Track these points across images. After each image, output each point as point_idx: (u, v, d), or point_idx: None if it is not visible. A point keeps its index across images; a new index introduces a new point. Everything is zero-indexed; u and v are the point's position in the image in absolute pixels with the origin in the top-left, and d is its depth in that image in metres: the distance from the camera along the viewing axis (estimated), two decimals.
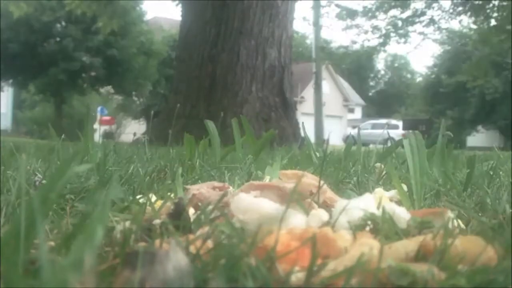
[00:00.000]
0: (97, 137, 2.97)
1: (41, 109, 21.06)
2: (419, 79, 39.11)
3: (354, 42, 18.21)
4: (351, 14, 17.11)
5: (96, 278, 0.37)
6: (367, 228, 0.61)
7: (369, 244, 0.50)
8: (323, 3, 16.32)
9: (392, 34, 16.97)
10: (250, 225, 0.58)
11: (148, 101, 21.39)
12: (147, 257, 0.42)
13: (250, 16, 5.79)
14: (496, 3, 13.82)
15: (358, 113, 33.77)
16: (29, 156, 1.56)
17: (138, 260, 0.42)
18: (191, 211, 0.73)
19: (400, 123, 19.48)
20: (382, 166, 1.38)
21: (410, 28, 16.91)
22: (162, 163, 1.48)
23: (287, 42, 6.06)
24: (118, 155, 1.67)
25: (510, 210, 0.80)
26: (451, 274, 0.46)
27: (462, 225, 0.72)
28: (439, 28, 17.74)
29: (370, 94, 41.86)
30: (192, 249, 0.52)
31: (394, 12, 16.72)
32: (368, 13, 16.86)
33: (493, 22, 14.16)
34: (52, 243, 0.57)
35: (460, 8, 15.27)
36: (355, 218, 0.62)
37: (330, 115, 25.12)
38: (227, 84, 5.71)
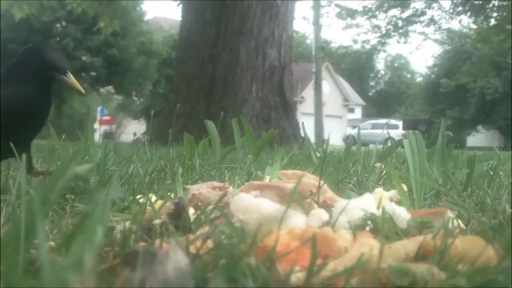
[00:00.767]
0: (97, 137, 2.97)
1: None
2: (419, 79, 39.11)
3: (355, 42, 18.22)
4: (351, 13, 17.11)
5: (96, 278, 0.37)
6: (367, 228, 0.61)
7: (369, 244, 0.50)
8: (323, 3, 16.32)
9: (393, 34, 16.97)
10: (250, 225, 0.58)
11: (148, 101, 21.37)
12: (147, 257, 0.42)
13: (250, 16, 5.79)
14: (496, 3, 13.82)
15: (358, 113, 33.75)
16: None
17: (138, 260, 0.42)
18: (191, 211, 0.73)
19: (400, 123, 19.48)
20: (382, 166, 1.38)
21: (410, 28, 16.91)
22: (162, 163, 1.48)
23: (287, 42, 6.06)
24: (118, 155, 1.67)
25: (510, 210, 0.80)
26: (451, 274, 0.46)
27: (462, 225, 0.72)
28: (439, 28, 17.75)
29: (370, 94, 41.84)
30: (192, 249, 0.52)
31: (394, 12, 16.74)
32: (368, 13, 16.87)
33: (493, 22, 14.16)
34: (52, 243, 0.57)
35: (460, 8, 15.27)
36: (355, 218, 0.62)
37: (330, 115, 25.10)
38: (227, 84, 5.71)
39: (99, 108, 16.73)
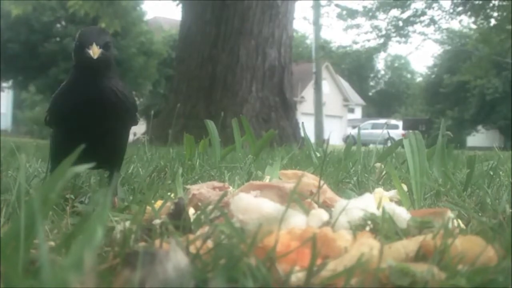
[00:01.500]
0: None
1: (41, 109, 21.04)
2: (419, 79, 39.10)
3: (355, 42, 18.20)
4: (351, 14, 17.11)
5: (96, 278, 0.37)
6: (367, 228, 0.61)
7: (369, 244, 0.50)
8: (323, 3, 16.32)
9: (393, 34, 16.97)
10: (250, 225, 0.58)
11: (148, 101, 21.38)
12: (147, 257, 0.42)
13: (250, 16, 5.79)
14: (496, 3, 13.82)
15: (358, 113, 33.74)
16: (29, 156, 1.56)
17: (138, 260, 0.42)
18: (191, 211, 0.74)
19: (400, 123, 19.47)
20: (382, 166, 1.38)
21: (410, 28, 16.91)
22: (162, 163, 1.48)
23: (287, 42, 6.06)
24: None
25: (510, 210, 0.80)
26: (451, 274, 0.46)
27: (462, 225, 0.72)
28: (439, 28, 17.76)
29: (370, 94, 41.83)
30: (192, 249, 0.52)
31: (395, 12, 16.74)
32: (369, 13, 16.86)
33: (493, 22, 14.16)
34: (52, 243, 0.57)
35: (460, 8, 15.27)
36: (355, 218, 0.62)
37: (330, 115, 25.09)
38: (227, 84, 5.71)
39: None
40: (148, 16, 20.48)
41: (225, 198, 0.69)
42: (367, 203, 0.66)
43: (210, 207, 0.66)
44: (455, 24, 42.32)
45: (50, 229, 0.69)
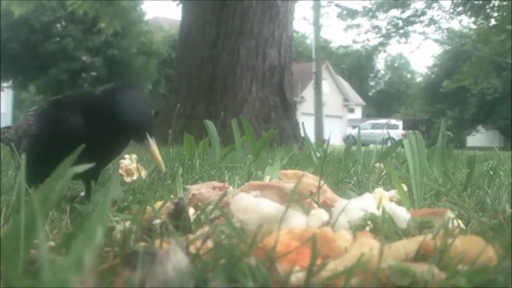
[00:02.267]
0: None
1: None
2: (419, 79, 39.09)
3: (355, 42, 18.21)
4: (351, 13, 17.11)
5: (96, 278, 0.37)
6: (367, 228, 0.61)
7: (369, 244, 0.50)
8: (323, 3, 16.32)
9: (393, 34, 16.96)
10: (250, 225, 0.58)
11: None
12: (147, 257, 0.42)
13: (250, 16, 5.79)
14: (496, 3, 13.83)
15: (358, 113, 33.73)
16: None
17: (138, 260, 0.42)
18: (191, 211, 0.73)
19: (400, 123, 19.47)
20: (382, 166, 1.38)
21: (410, 28, 16.91)
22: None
23: (287, 42, 6.06)
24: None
25: (510, 210, 0.80)
26: (451, 274, 0.46)
27: (462, 225, 0.72)
28: (439, 28, 17.75)
29: (370, 94, 41.82)
30: (192, 249, 0.52)
31: (395, 12, 16.73)
32: (369, 13, 16.86)
33: (493, 22, 14.16)
34: (52, 243, 0.57)
35: (460, 8, 15.27)
36: (355, 218, 0.62)
37: (330, 115, 25.09)
38: (227, 84, 5.71)
39: None
40: (148, 16, 20.50)
41: (225, 198, 0.69)
42: (367, 203, 0.66)
43: (210, 207, 0.66)
44: (455, 24, 42.34)
45: (50, 229, 0.69)
